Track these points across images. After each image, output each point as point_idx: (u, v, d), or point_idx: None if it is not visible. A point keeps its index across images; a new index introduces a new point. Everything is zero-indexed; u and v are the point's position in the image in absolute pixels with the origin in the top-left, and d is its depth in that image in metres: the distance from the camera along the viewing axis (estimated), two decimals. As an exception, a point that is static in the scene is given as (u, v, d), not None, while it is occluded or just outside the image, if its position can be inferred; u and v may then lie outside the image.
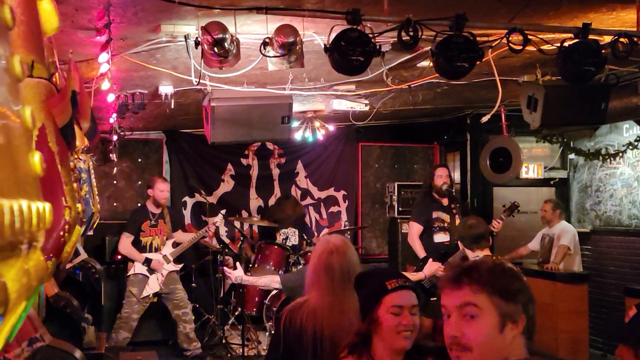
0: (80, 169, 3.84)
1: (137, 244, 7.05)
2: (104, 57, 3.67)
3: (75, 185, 1.71)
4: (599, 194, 7.84)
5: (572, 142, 7.91)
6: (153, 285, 7.00)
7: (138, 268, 6.99)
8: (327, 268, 2.89)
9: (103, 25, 3.29)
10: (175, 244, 7.25)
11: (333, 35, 3.38)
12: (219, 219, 7.38)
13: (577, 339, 6.69)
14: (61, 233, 1.67)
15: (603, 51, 3.63)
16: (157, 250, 7.10)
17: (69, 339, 2.16)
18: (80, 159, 3.78)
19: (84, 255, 4.18)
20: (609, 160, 7.38)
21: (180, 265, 7.28)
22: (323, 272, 2.90)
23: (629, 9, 3.75)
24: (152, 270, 7.00)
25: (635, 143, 6.84)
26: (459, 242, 4.16)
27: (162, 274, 7.03)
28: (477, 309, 1.61)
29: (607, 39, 3.78)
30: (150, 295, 7.01)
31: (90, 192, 4.06)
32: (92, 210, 3.95)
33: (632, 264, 7.21)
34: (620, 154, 7.18)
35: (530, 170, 8.18)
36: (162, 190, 7.15)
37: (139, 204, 7.67)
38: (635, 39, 3.54)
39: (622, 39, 3.55)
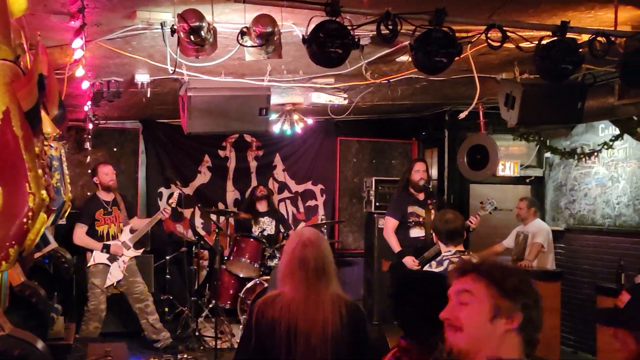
0: (52, 157, 3.77)
1: (94, 235, 6.84)
2: (77, 42, 3.60)
3: (40, 171, 1.66)
4: (573, 192, 7.91)
5: (548, 141, 7.97)
6: (116, 274, 6.82)
7: (98, 258, 6.80)
8: (302, 261, 2.84)
9: (76, 9, 3.22)
10: (133, 231, 7.09)
11: (311, 27, 3.35)
12: (174, 199, 7.23)
13: (549, 336, 6.74)
14: (24, 220, 1.62)
15: (580, 50, 3.64)
16: (114, 238, 6.92)
17: (34, 329, 2.11)
18: (52, 146, 3.71)
19: (54, 244, 4.09)
20: (584, 159, 7.45)
21: (142, 250, 7.10)
22: (297, 266, 2.85)
23: (606, 8, 3.76)
24: (113, 258, 6.82)
25: (611, 143, 6.91)
26: (433, 235, 4.14)
27: (123, 261, 6.86)
28: (470, 296, 1.70)
29: (585, 37, 3.80)
30: (114, 284, 6.84)
31: (62, 180, 3.98)
32: (63, 199, 3.89)
33: (604, 262, 7.29)
34: (596, 154, 7.24)
35: (506, 168, 8.23)
36: (106, 173, 6.94)
37: (89, 194, 7.51)
38: (613, 38, 3.56)
39: (599, 38, 3.57)
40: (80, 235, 6.82)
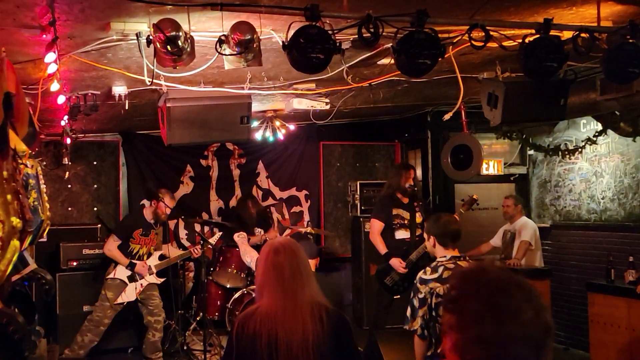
0: (28, 175, 3.65)
1: (124, 249, 6.86)
2: (50, 56, 3.49)
3: (10, 196, 1.56)
4: (558, 189, 7.91)
5: (531, 139, 7.96)
6: (130, 294, 6.83)
7: (119, 273, 6.82)
8: (276, 267, 2.79)
9: (47, 22, 3.11)
10: (162, 257, 7.09)
11: (291, 33, 3.28)
12: (214, 239, 7.24)
13: (540, 334, 6.72)
14: (-6, 250, 1.52)
15: (565, 47, 3.60)
16: (140, 259, 6.94)
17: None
18: (27, 165, 3.59)
19: (33, 265, 3.97)
20: (567, 155, 7.45)
21: (162, 280, 7.10)
22: (272, 273, 2.79)
23: (588, 4, 3.73)
24: (132, 278, 6.82)
25: (595, 138, 6.91)
26: (431, 238, 3.96)
27: (141, 284, 6.88)
28: None
29: (568, 34, 3.77)
30: (125, 303, 6.82)
31: (39, 199, 3.87)
32: (41, 218, 3.77)
33: (591, 257, 7.28)
34: (579, 150, 7.24)
35: (490, 167, 8.22)
36: (167, 205, 6.96)
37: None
38: (596, 34, 3.53)
39: (582, 34, 3.53)
40: (111, 247, 6.84)
